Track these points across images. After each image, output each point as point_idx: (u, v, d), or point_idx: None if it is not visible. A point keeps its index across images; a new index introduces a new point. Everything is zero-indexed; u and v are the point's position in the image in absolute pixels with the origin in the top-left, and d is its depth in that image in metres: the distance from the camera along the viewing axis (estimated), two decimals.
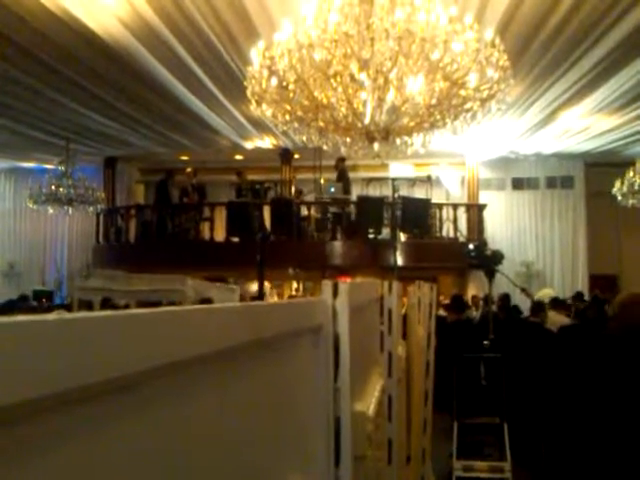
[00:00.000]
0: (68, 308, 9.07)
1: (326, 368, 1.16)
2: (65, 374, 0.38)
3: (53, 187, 13.56)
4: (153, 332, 0.50)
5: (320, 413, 1.13)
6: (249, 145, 14.38)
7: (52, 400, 0.37)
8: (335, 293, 1.25)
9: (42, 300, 12.41)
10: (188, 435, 0.59)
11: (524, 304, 9.39)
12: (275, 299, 12.33)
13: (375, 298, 2.14)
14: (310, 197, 14.16)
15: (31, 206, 14.25)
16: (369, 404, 1.51)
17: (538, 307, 7.86)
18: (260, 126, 12.19)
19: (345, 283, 1.28)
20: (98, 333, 0.42)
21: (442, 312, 9.08)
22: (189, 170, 14.58)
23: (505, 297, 8.48)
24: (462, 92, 5.62)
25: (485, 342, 7.86)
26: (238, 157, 15.36)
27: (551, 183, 16.02)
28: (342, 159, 12.55)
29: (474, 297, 12.46)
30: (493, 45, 5.47)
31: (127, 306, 8.45)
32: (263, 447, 0.84)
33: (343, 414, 1.22)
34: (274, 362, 0.91)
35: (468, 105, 5.73)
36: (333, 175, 13.48)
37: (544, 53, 8.79)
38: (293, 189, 14.22)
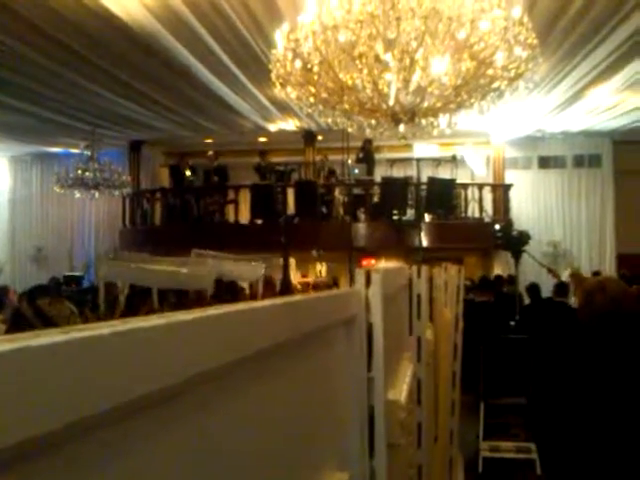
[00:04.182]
0: (95, 291, 9.19)
1: (360, 358, 1.16)
2: (117, 388, 0.38)
3: (79, 171, 13.69)
4: (200, 338, 0.50)
5: (354, 403, 1.13)
6: (272, 127, 14.37)
7: (105, 416, 0.37)
8: (368, 282, 1.26)
9: (72, 285, 12.67)
10: (233, 431, 0.60)
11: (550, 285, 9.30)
12: (299, 280, 12.34)
13: (405, 284, 2.14)
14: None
15: (58, 190, 14.42)
16: (401, 391, 1.52)
17: (563, 288, 7.80)
18: (284, 108, 12.15)
19: (378, 272, 1.28)
20: (146, 344, 0.42)
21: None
22: (210, 153, 14.67)
23: (533, 287, 8.34)
24: (489, 71, 5.54)
25: (511, 322, 7.83)
26: (262, 139, 15.37)
27: (578, 161, 15.77)
28: (369, 141, 12.48)
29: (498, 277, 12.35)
30: (521, 23, 5.37)
31: (149, 289, 8.57)
32: (300, 439, 0.85)
33: (377, 403, 1.22)
34: (310, 355, 0.91)
35: (495, 84, 5.66)
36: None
37: (572, 29, 8.61)
38: (327, 169, 14.16)
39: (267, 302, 0.71)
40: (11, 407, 0.30)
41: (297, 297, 0.85)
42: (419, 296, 2.33)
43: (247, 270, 9.46)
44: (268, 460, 0.71)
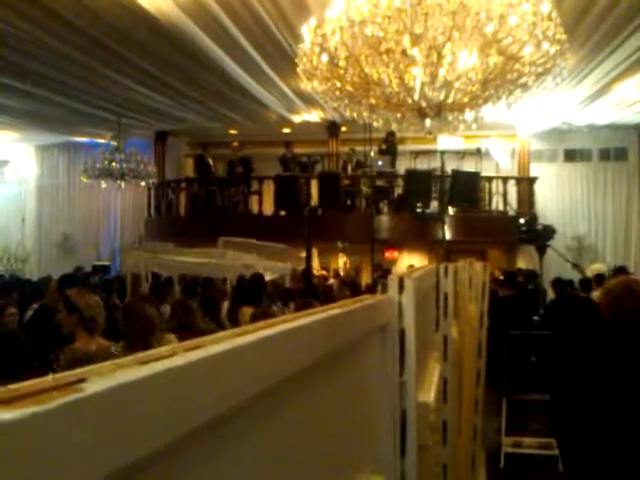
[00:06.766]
0: (122, 281, 9.34)
1: (392, 364, 1.19)
2: (170, 423, 0.40)
3: (106, 162, 13.83)
4: (249, 364, 0.52)
5: (387, 407, 1.16)
6: (297, 118, 14.38)
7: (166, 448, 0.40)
8: (401, 288, 1.28)
9: (99, 274, 12.96)
10: (279, 439, 0.64)
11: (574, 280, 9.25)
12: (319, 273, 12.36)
13: (433, 284, 2.16)
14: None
15: (84, 180, 14.58)
16: (430, 392, 1.55)
17: (587, 283, 7.76)
18: (308, 100, 12.16)
19: (410, 278, 1.30)
20: (196, 377, 0.44)
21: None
22: (235, 144, 14.73)
23: (559, 282, 8.31)
24: (517, 66, 5.50)
25: (535, 318, 7.79)
26: (286, 130, 15.39)
27: (604, 155, 15.58)
28: (392, 133, 12.46)
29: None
30: (549, 18, 5.32)
31: (170, 278, 8.74)
32: (339, 444, 0.88)
33: (409, 407, 1.25)
34: (345, 363, 0.94)
35: (523, 80, 5.62)
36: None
37: (600, 23, 8.51)
38: (354, 161, 14.13)
39: (308, 319, 0.73)
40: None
41: (335, 310, 0.87)
42: (446, 295, 2.35)
43: (274, 265, 9.55)
44: (309, 464, 0.75)
